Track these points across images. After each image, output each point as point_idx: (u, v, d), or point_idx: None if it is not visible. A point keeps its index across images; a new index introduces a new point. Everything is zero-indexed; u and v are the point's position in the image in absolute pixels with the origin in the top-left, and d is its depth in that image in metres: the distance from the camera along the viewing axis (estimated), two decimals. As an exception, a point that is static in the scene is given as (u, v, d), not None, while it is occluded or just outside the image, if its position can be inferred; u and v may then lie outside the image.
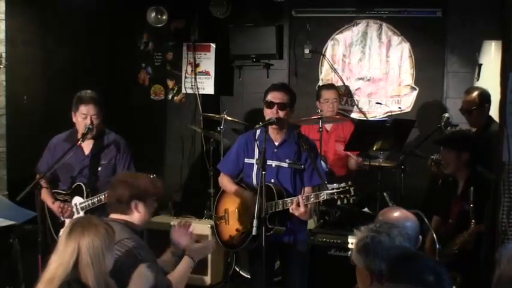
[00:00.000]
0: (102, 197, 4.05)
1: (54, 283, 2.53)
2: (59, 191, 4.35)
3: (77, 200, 4.26)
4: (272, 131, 4.07)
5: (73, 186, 4.29)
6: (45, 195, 4.29)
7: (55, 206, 4.26)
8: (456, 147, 4.16)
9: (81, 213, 4.19)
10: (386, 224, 2.64)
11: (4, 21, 5.09)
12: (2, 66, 5.07)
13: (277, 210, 3.88)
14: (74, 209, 4.24)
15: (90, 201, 4.16)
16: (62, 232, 2.66)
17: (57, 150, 4.31)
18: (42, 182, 4.04)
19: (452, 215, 4.19)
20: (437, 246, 3.52)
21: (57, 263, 2.56)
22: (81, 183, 4.26)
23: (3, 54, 5.08)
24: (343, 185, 3.72)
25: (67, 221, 4.19)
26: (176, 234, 3.49)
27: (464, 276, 3.84)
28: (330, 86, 5.96)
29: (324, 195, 3.77)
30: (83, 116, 4.24)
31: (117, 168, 4.32)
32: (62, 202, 4.25)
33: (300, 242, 4.10)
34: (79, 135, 4.23)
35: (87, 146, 4.34)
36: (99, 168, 4.32)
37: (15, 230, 4.33)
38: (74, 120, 4.31)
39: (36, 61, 5.67)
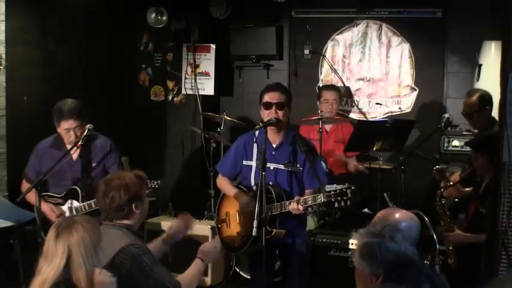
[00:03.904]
0: None
1: (45, 286, 2.51)
2: (52, 194, 4.29)
3: (72, 203, 4.23)
4: (271, 133, 4.02)
5: (67, 190, 4.25)
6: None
7: (46, 208, 4.16)
8: (490, 150, 4.05)
9: None
10: (388, 227, 2.61)
11: (4, 22, 5.09)
12: (2, 67, 5.07)
13: (276, 212, 3.88)
14: (68, 213, 4.20)
15: (86, 205, 4.13)
16: (48, 236, 2.61)
17: (44, 156, 4.26)
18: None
19: (467, 215, 4.17)
20: (437, 246, 3.51)
21: (49, 267, 2.53)
22: (76, 187, 4.23)
23: (3, 55, 5.08)
24: (340, 187, 3.70)
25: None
26: (177, 225, 3.50)
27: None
28: (331, 87, 5.96)
29: (321, 198, 3.76)
30: (65, 132, 4.18)
31: (106, 168, 4.30)
32: (54, 205, 4.21)
33: (300, 243, 4.08)
34: (68, 147, 4.20)
35: (74, 152, 4.28)
36: (92, 171, 4.30)
37: (16, 230, 4.33)
38: (58, 130, 4.24)
39: (36, 61, 5.66)
